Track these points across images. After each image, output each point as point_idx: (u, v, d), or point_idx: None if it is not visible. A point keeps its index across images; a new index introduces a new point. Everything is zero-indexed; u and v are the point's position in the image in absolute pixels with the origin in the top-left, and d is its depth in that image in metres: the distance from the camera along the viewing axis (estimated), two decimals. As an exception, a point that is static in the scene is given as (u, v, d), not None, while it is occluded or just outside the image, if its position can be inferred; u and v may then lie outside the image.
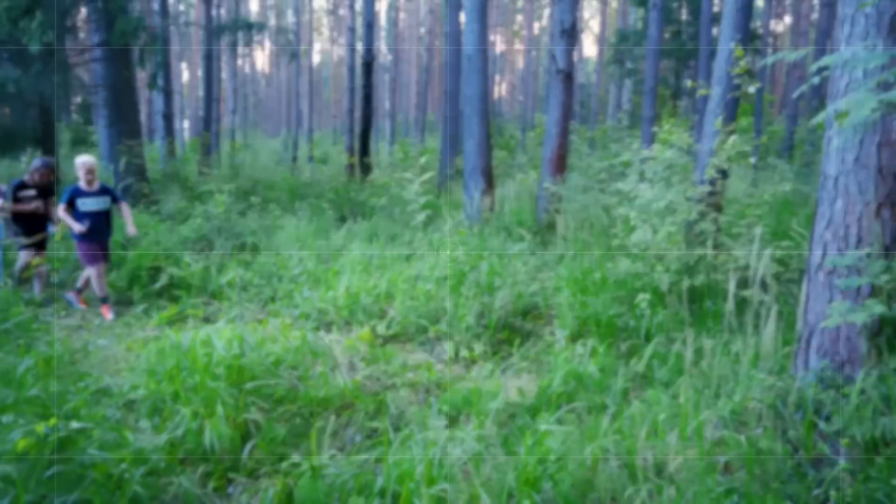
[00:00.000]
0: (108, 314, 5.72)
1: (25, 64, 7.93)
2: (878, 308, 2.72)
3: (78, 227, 5.59)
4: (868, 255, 3.04)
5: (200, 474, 3.03)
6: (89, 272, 5.82)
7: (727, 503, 1.89)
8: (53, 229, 6.21)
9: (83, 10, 10.21)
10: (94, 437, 2.61)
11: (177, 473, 2.94)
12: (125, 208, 6.14)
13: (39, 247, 6.15)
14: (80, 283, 6.02)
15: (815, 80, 2.43)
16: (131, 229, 6.05)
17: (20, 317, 4.15)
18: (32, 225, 6.05)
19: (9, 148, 8.84)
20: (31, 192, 6.02)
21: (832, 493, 2.26)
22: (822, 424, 2.48)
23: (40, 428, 2.35)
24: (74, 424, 2.46)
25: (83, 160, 5.88)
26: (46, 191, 6.16)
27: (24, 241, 6.01)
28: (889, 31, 3.03)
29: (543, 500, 2.42)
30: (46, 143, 9.85)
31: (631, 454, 2.49)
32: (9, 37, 7.55)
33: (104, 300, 5.83)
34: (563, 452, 2.60)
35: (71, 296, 6.04)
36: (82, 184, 5.80)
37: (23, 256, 6.05)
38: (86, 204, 5.75)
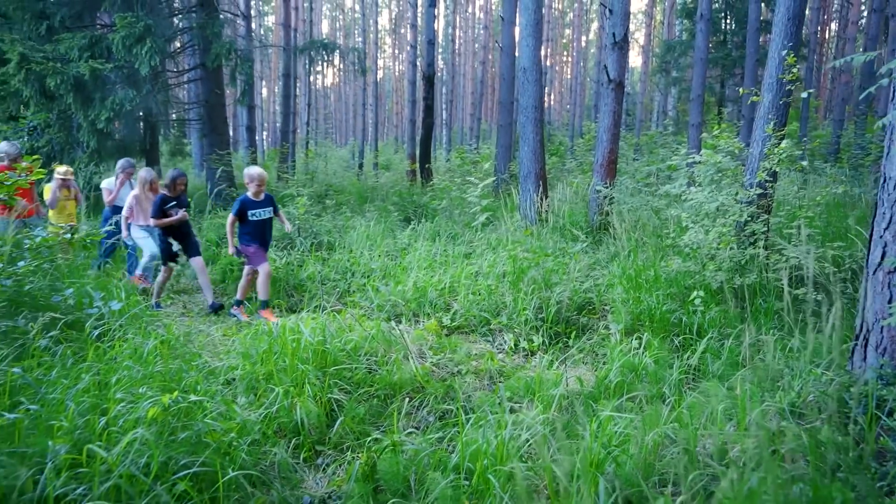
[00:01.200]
0: (272, 317, 5.23)
1: (137, 85, 8.43)
2: (941, 308, 2.56)
3: (231, 251, 5.45)
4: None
5: (292, 446, 3.16)
6: (262, 270, 5.52)
7: (792, 490, 1.83)
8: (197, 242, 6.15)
9: (182, 37, 10.74)
10: (208, 409, 2.76)
11: (272, 444, 3.08)
12: (281, 213, 5.98)
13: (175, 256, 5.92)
14: (239, 295, 5.70)
15: (884, 81, 2.31)
16: (288, 226, 5.93)
17: (139, 305, 4.42)
18: (179, 236, 5.81)
19: (122, 158, 9.40)
20: (173, 203, 5.76)
21: None
22: (885, 419, 2.36)
23: (165, 399, 2.51)
24: (193, 397, 2.62)
25: (257, 171, 5.55)
26: (182, 200, 5.90)
27: (173, 251, 5.71)
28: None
29: (607, 480, 2.40)
30: (151, 153, 10.45)
31: (691, 441, 2.44)
32: (124, 62, 8.06)
33: (265, 304, 5.49)
34: (625, 437, 2.58)
35: (235, 311, 5.63)
36: (251, 194, 5.54)
37: (164, 271, 5.84)
38: (255, 214, 5.52)
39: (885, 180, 3.16)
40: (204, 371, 3.47)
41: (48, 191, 6.66)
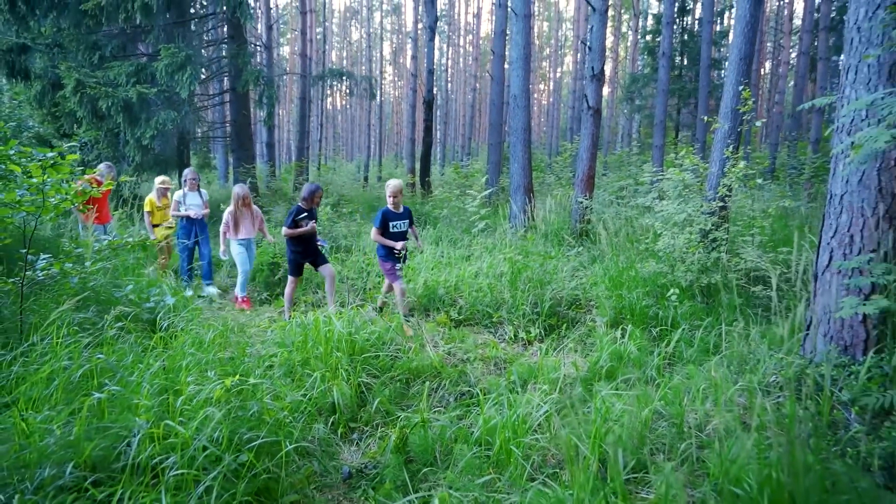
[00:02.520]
0: (409, 330, 4.52)
1: (176, 107, 8.40)
2: (883, 302, 2.69)
3: (399, 245, 4.93)
4: (870, 260, 3.00)
5: (329, 424, 3.20)
6: (396, 287, 4.99)
7: (772, 455, 1.93)
8: (325, 244, 5.65)
9: (212, 64, 10.70)
10: (263, 390, 2.80)
11: (311, 421, 3.11)
12: (414, 228, 5.46)
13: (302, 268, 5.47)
14: (380, 302, 5.29)
15: (846, 119, 2.43)
16: (420, 243, 5.56)
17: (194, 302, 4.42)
18: (309, 246, 5.42)
19: (162, 171, 9.37)
20: (305, 214, 5.30)
21: (848, 449, 2.26)
22: (838, 394, 2.47)
23: (228, 382, 2.55)
24: (251, 381, 2.66)
25: (396, 183, 5.11)
26: (312, 212, 5.46)
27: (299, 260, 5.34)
28: (888, 79, 2.98)
29: (609, 449, 2.48)
30: (184, 167, 10.39)
31: (679, 416, 2.53)
32: (165, 87, 8.03)
33: (407, 317, 4.93)
34: (621, 413, 2.66)
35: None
36: (391, 206, 5.10)
37: (291, 283, 5.36)
38: (396, 226, 5.09)
39: (830, 197, 3.29)
40: (256, 358, 3.50)
41: (151, 203, 6.30)
